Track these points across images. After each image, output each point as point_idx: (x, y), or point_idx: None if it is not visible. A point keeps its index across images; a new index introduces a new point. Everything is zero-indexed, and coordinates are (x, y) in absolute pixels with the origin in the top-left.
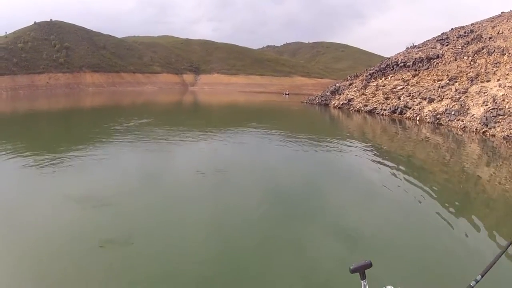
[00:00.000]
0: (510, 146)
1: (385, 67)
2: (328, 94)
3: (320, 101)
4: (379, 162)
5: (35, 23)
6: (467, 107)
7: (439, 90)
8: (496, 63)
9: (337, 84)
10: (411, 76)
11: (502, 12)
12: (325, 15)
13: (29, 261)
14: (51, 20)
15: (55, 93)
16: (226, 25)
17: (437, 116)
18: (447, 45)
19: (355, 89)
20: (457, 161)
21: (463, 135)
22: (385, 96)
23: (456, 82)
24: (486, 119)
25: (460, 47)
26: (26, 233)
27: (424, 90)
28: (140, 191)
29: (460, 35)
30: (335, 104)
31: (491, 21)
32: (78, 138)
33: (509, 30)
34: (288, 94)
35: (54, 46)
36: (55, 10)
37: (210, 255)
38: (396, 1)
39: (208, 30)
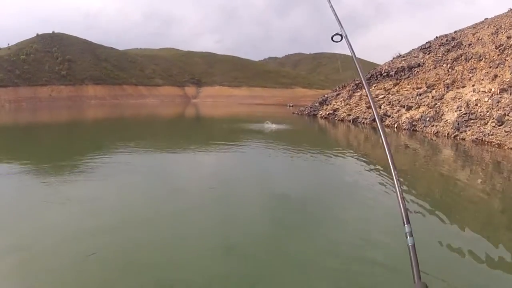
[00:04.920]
0: (479, 149)
1: (370, 77)
2: (317, 105)
3: (309, 111)
4: (368, 171)
5: (37, 35)
6: (442, 113)
7: (417, 97)
8: (472, 69)
9: (325, 95)
10: (392, 85)
11: (485, 19)
12: (326, 27)
13: None
14: (53, 32)
15: (58, 105)
16: (229, 38)
17: (413, 123)
18: (429, 54)
19: (341, 99)
20: (435, 166)
21: (436, 140)
22: (367, 105)
23: (434, 89)
24: (458, 124)
25: (440, 55)
26: None
27: (403, 98)
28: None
29: (442, 43)
30: (322, 114)
31: (473, 27)
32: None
33: (488, 36)
34: (292, 105)
35: (56, 59)
36: (58, 22)
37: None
38: (397, 10)
39: (210, 42)
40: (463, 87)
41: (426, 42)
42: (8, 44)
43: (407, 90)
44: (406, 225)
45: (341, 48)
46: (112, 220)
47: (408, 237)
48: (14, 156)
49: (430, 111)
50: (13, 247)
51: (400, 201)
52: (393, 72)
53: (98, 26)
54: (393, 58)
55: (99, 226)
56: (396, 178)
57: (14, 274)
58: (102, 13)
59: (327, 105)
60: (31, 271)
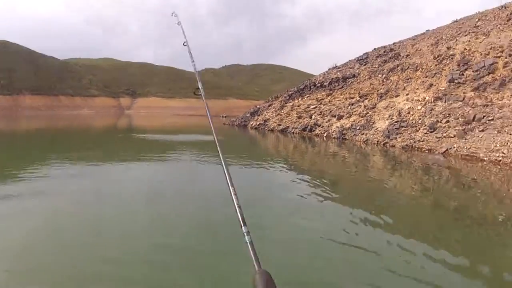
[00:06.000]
0: (408, 155)
1: (304, 87)
2: (248, 115)
3: (240, 122)
4: (294, 178)
5: None
6: (373, 121)
7: (349, 107)
8: (408, 79)
9: (258, 106)
10: (325, 96)
11: (426, 30)
12: (268, 38)
13: None
14: None
15: None
16: (169, 48)
17: (343, 132)
18: (365, 65)
19: (273, 110)
20: (364, 172)
21: (365, 148)
22: (298, 115)
23: (366, 99)
24: (388, 132)
25: (377, 65)
26: None
27: (335, 108)
28: None
29: (380, 54)
30: (253, 125)
31: (413, 39)
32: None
33: (427, 47)
34: (225, 116)
35: None
36: (4, 27)
37: None
38: (337, 25)
39: (150, 53)
40: (397, 96)
41: (364, 53)
42: None
43: (339, 100)
44: (243, 226)
45: (282, 60)
46: None
47: (246, 236)
48: None
49: (361, 120)
50: None
51: (237, 208)
52: (327, 83)
53: (43, 33)
54: (329, 69)
55: None
56: (232, 189)
57: None
58: (49, 19)
59: (259, 115)
60: None
